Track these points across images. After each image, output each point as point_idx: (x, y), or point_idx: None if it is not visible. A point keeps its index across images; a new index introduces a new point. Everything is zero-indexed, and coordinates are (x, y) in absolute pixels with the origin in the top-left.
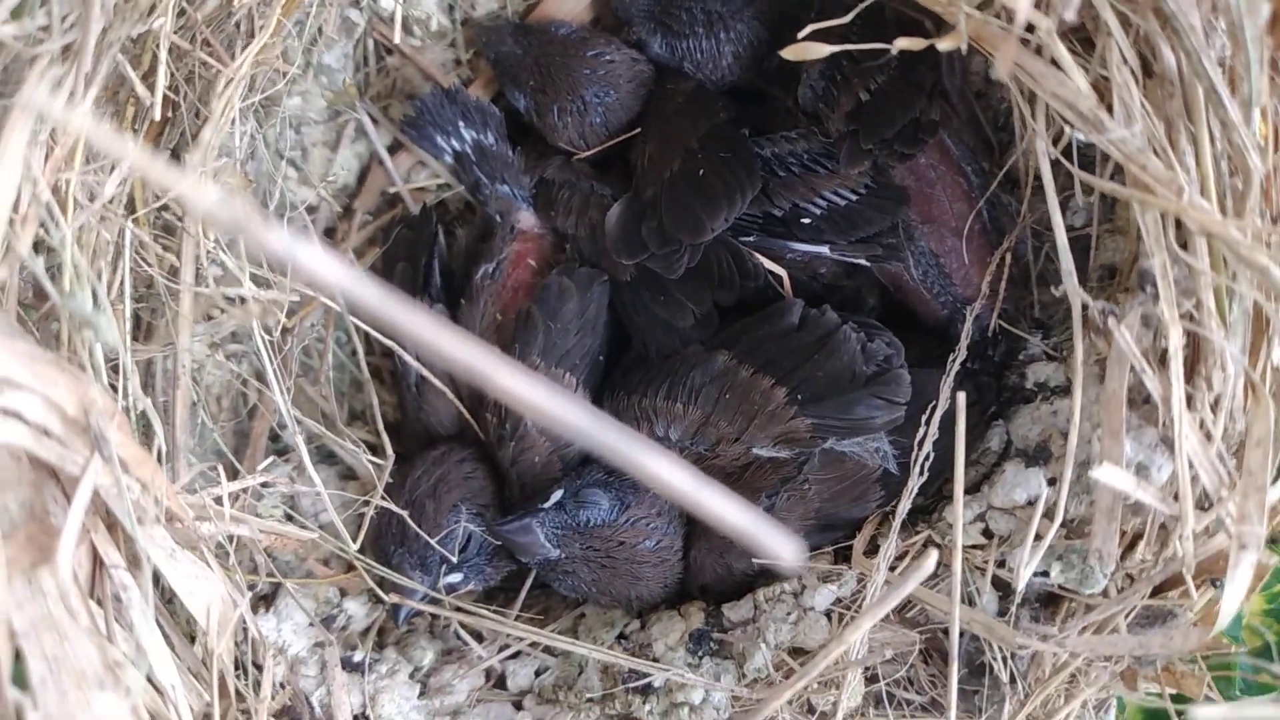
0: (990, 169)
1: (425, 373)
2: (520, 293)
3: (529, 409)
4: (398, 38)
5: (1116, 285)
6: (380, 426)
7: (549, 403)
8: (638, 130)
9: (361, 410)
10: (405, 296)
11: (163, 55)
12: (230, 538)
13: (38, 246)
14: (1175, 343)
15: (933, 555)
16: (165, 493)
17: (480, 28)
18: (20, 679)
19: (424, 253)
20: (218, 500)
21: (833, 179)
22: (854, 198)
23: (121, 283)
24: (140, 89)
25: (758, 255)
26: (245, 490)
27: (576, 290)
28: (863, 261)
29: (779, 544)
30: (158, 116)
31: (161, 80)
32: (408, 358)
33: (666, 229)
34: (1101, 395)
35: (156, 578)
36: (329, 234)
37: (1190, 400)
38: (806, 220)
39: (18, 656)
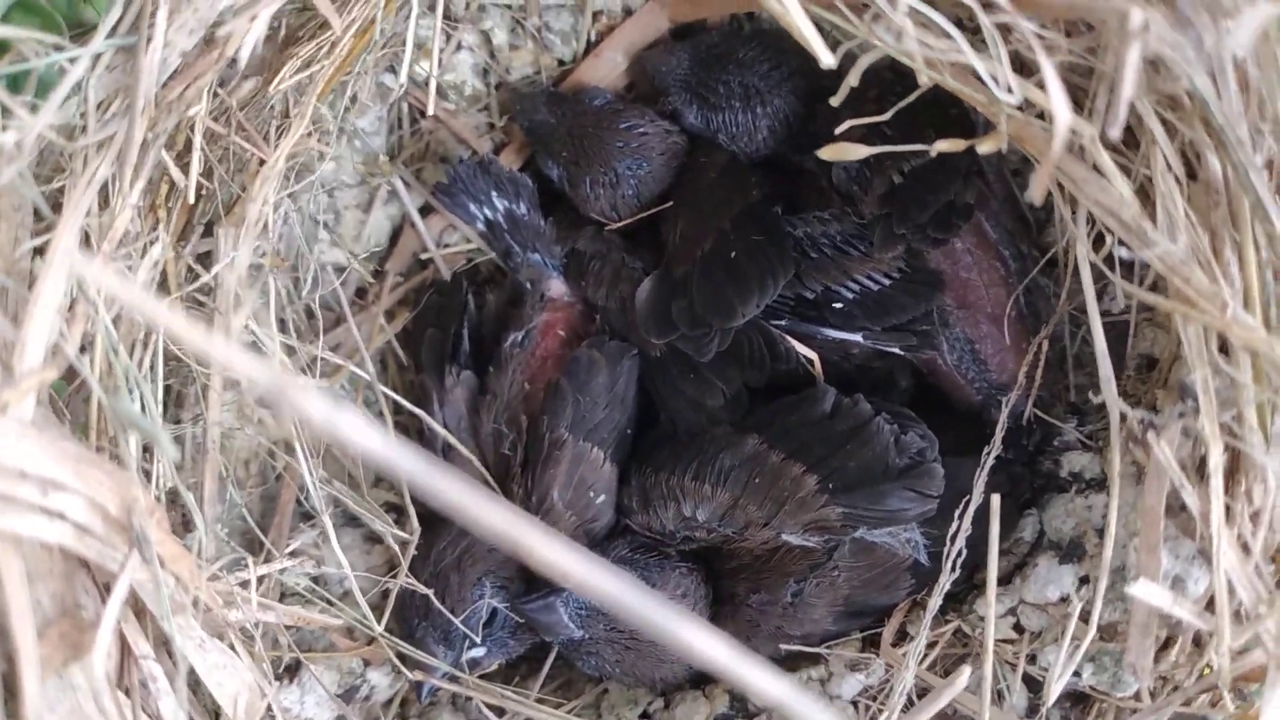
0: (1027, 249)
1: (452, 440)
2: (549, 362)
3: (571, 581)
4: (432, 109)
5: (1155, 380)
6: (407, 495)
7: (590, 575)
8: (669, 204)
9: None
10: (436, 364)
11: (197, 140)
12: (256, 623)
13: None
14: (1216, 459)
15: (966, 672)
16: (199, 586)
17: (514, 94)
18: None
19: (454, 321)
20: (244, 584)
21: (866, 262)
22: (887, 282)
23: (154, 361)
24: (175, 173)
25: (789, 338)
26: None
27: (606, 364)
28: (897, 350)
29: (821, 717)
30: (191, 199)
31: (196, 165)
32: (435, 425)
33: (698, 311)
34: (1139, 506)
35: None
36: (360, 295)
37: (1229, 512)
38: (838, 305)
39: None
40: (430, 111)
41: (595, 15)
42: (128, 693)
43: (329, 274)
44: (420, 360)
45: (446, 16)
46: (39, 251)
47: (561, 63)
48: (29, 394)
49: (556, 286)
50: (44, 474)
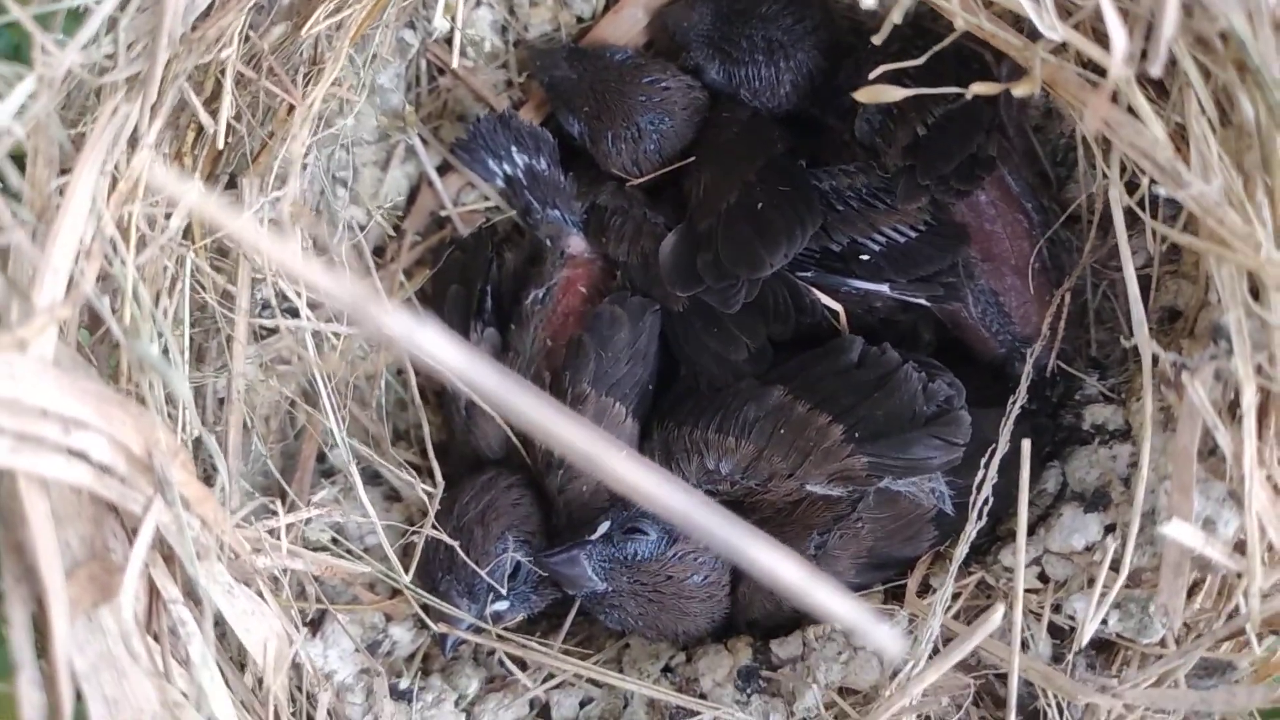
0: (1049, 204)
1: (475, 398)
2: (571, 319)
3: (642, 496)
4: (455, 61)
5: (1179, 330)
6: (430, 452)
7: (661, 491)
8: (692, 159)
9: (406, 430)
10: (460, 321)
11: (228, 84)
12: (284, 570)
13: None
14: (1249, 399)
15: (999, 610)
16: (224, 530)
17: (534, 51)
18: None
19: (479, 278)
20: (272, 533)
21: (892, 215)
22: (913, 235)
23: (178, 309)
24: (204, 117)
25: (815, 291)
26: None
27: (628, 319)
28: (923, 301)
29: (885, 636)
30: (221, 145)
31: (226, 109)
32: (458, 383)
33: (724, 263)
34: (1171, 448)
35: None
36: (378, 253)
37: (1260, 455)
38: (865, 256)
39: (79, 697)
40: (454, 64)
41: None
42: (156, 638)
43: (349, 230)
44: (443, 317)
45: None
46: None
47: (580, 19)
48: (48, 331)
49: (576, 243)
50: (65, 412)
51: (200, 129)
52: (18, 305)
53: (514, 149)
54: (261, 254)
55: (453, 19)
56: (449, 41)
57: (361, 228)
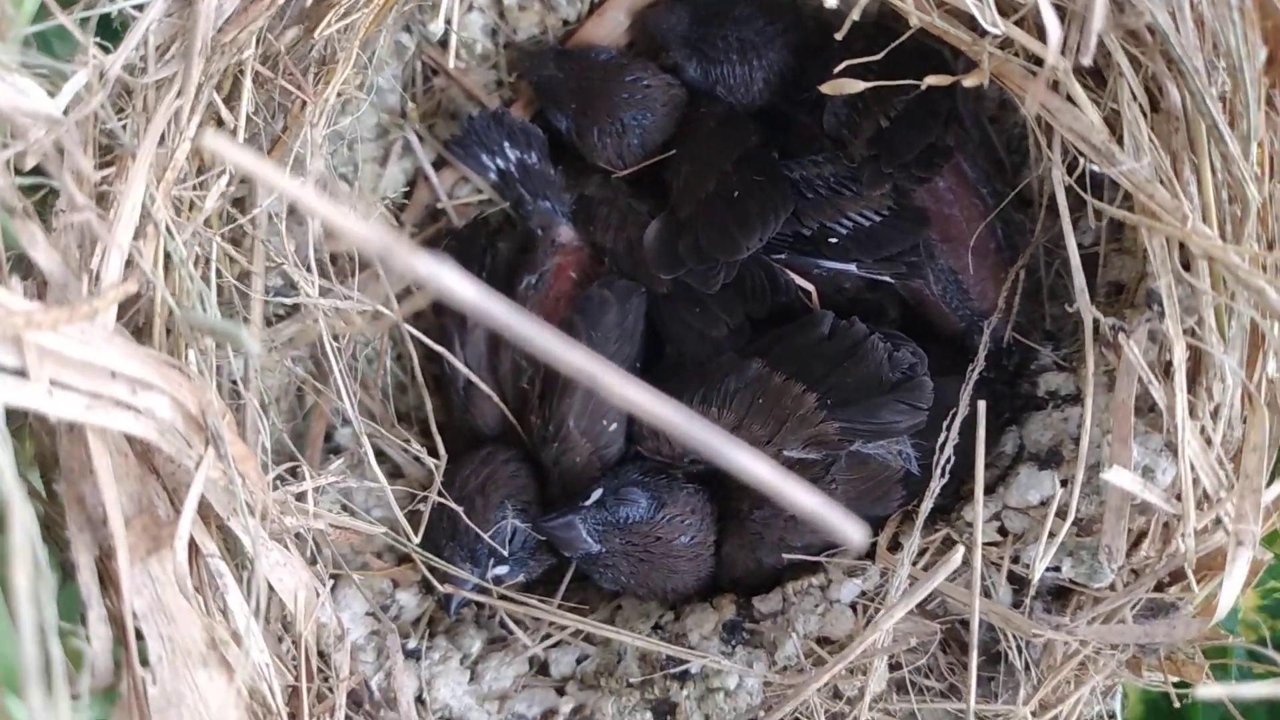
0: (1003, 189)
1: (473, 378)
2: (562, 302)
3: (639, 410)
4: (451, 63)
5: (1123, 301)
6: (434, 428)
7: (658, 408)
8: (673, 151)
9: (407, 412)
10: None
11: (247, 83)
12: (306, 530)
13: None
14: (1179, 357)
15: (959, 552)
16: (262, 488)
17: (523, 52)
18: (140, 657)
19: (473, 265)
20: (297, 496)
21: (858, 201)
22: (878, 219)
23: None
24: (225, 113)
25: (788, 271)
26: (316, 489)
27: (616, 301)
28: (887, 279)
29: (848, 528)
30: (240, 140)
31: (245, 106)
32: (457, 363)
33: (703, 248)
34: (1111, 404)
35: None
36: None
37: (1192, 409)
38: (834, 240)
39: (139, 636)
40: (450, 66)
41: None
42: (198, 589)
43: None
44: (439, 304)
45: None
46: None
47: (566, 22)
48: (114, 302)
49: (566, 232)
50: (132, 374)
51: (220, 122)
52: (86, 279)
53: (506, 144)
54: (308, 208)
55: (448, 23)
56: (444, 44)
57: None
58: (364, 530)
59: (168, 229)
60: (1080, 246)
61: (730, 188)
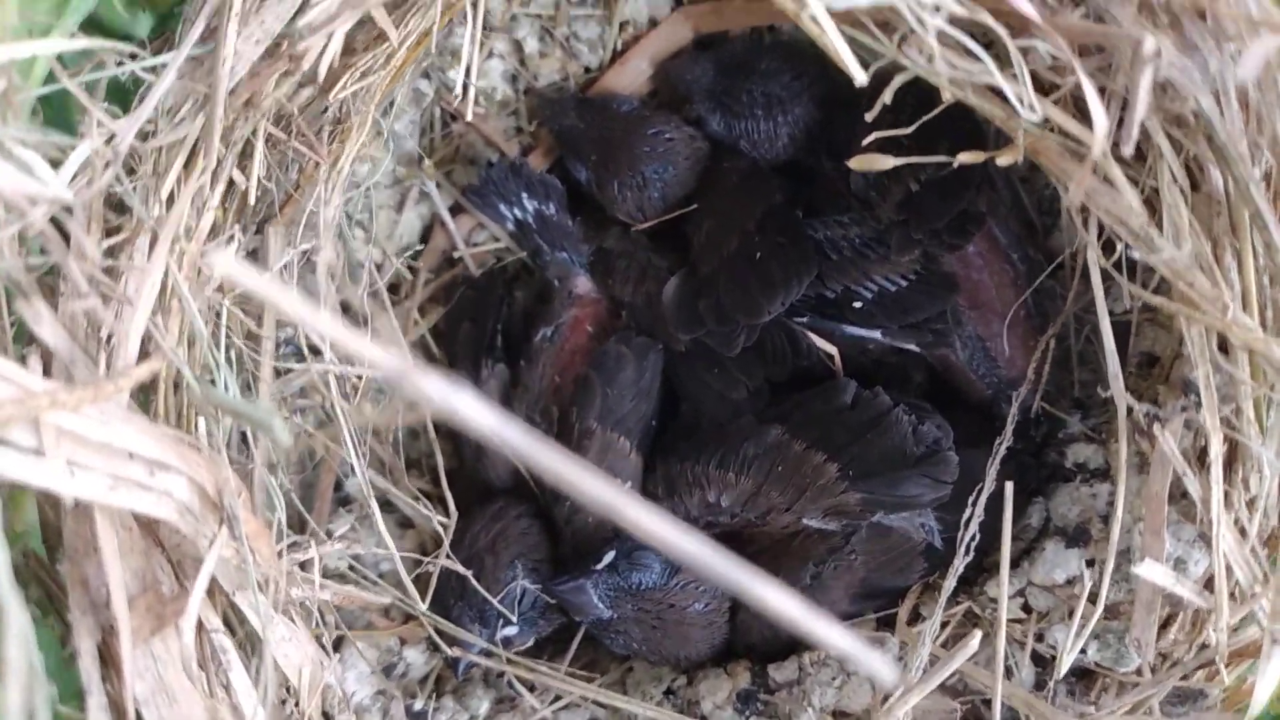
0: (1034, 254)
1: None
2: (578, 356)
3: (653, 538)
4: (469, 115)
5: (1156, 375)
6: (444, 482)
7: (675, 537)
8: (694, 206)
9: (418, 459)
10: (472, 357)
11: (259, 145)
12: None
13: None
14: (1216, 449)
15: (977, 635)
16: (272, 562)
17: (543, 100)
18: None
19: (489, 317)
20: (302, 566)
21: (884, 264)
22: (904, 283)
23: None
24: (237, 175)
25: (811, 335)
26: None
27: (633, 358)
28: (913, 348)
29: (879, 665)
30: (252, 201)
31: (257, 168)
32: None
33: (725, 309)
34: (1144, 492)
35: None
36: (394, 290)
37: (1227, 498)
38: (858, 304)
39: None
40: (468, 117)
41: (622, 25)
42: (201, 665)
43: (365, 269)
44: (454, 353)
45: (482, 26)
46: (111, 252)
47: (588, 70)
48: (137, 382)
49: (583, 283)
50: (150, 454)
51: (231, 182)
52: (105, 359)
53: (524, 195)
54: (322, 334)
55: (467, 71)
56: (463, 91)
57: (378, 267)
58: (370, 601)
59: (181, 300)
60: (1112, 314)
61: (753, 248)
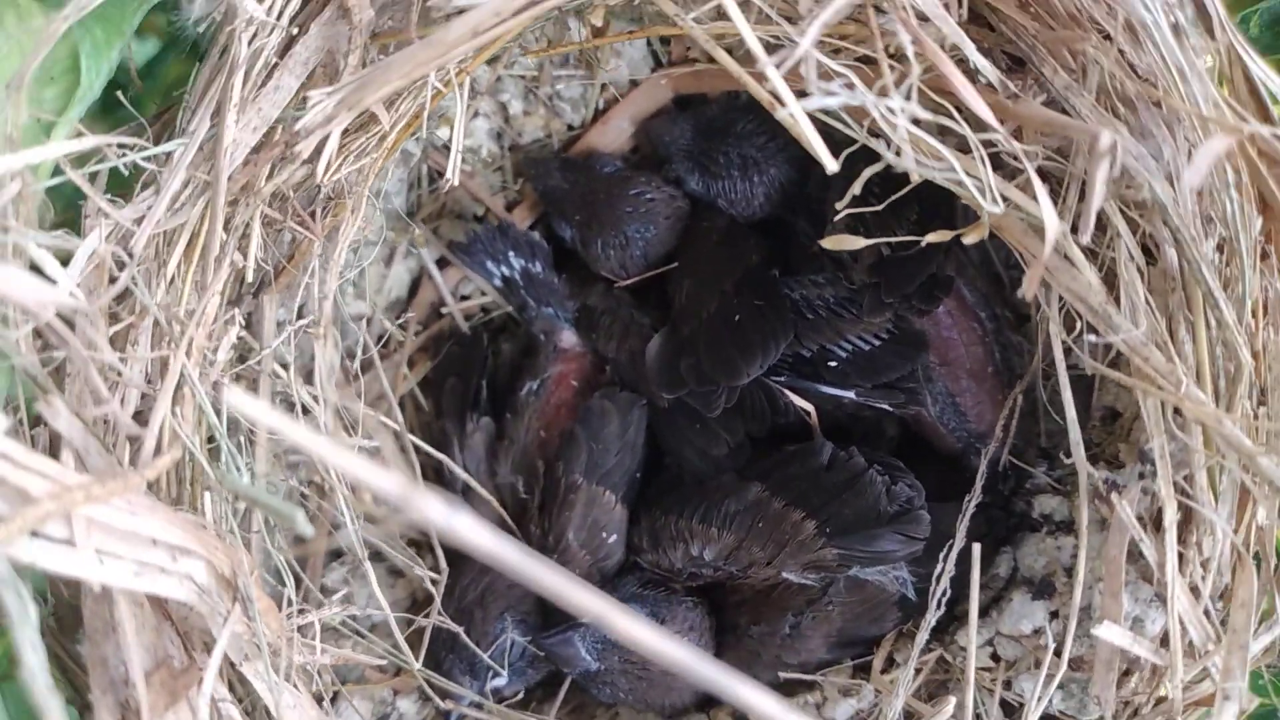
0: (1001, 311)
1: (473, 483)
2: (563, 410)
3: (644, 649)
4: (455, 178)
5: (1118, 432)
6: (435, 538)
7: (662, 645)
8: (675, 264)
9: None
10: (457, 411)
11: (256, 228)
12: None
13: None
14: (1170, 517)
15: (950, 702)
16: (279, 634)
17: (528, 159)
18: None
19: (474, 373)
20: (302, 628)
21: (857, 324)
22: (877, 343)
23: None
24: (235, 255)
25: (788, 393)
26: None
27: (618, 413)
28: (886, 407)
29: None
30: (250, 278)
31: (255, 249)
32: (455, 468)
33: (705, 371)
34: (1103, 554)
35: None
36: (383, 343)
37: (1182, 559)
38: (833, 364)
39: None
40: (455, 182)
41: (603, 86)
42: None
43: (355, 326)
44: (441, 407)
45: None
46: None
47: (571, 128)
48: (158, 473)
49: (568, 338)
50: (173, 540)
51: (226, 258)
52: (115, 443)
53: (512, 254)
54: (328, 462)
55: (451, 129)
56: (447, 147)
57: (368, 321)
58: (367, 662)
59: (193, 389)
60: (1075, 368)
61: (732, 310)
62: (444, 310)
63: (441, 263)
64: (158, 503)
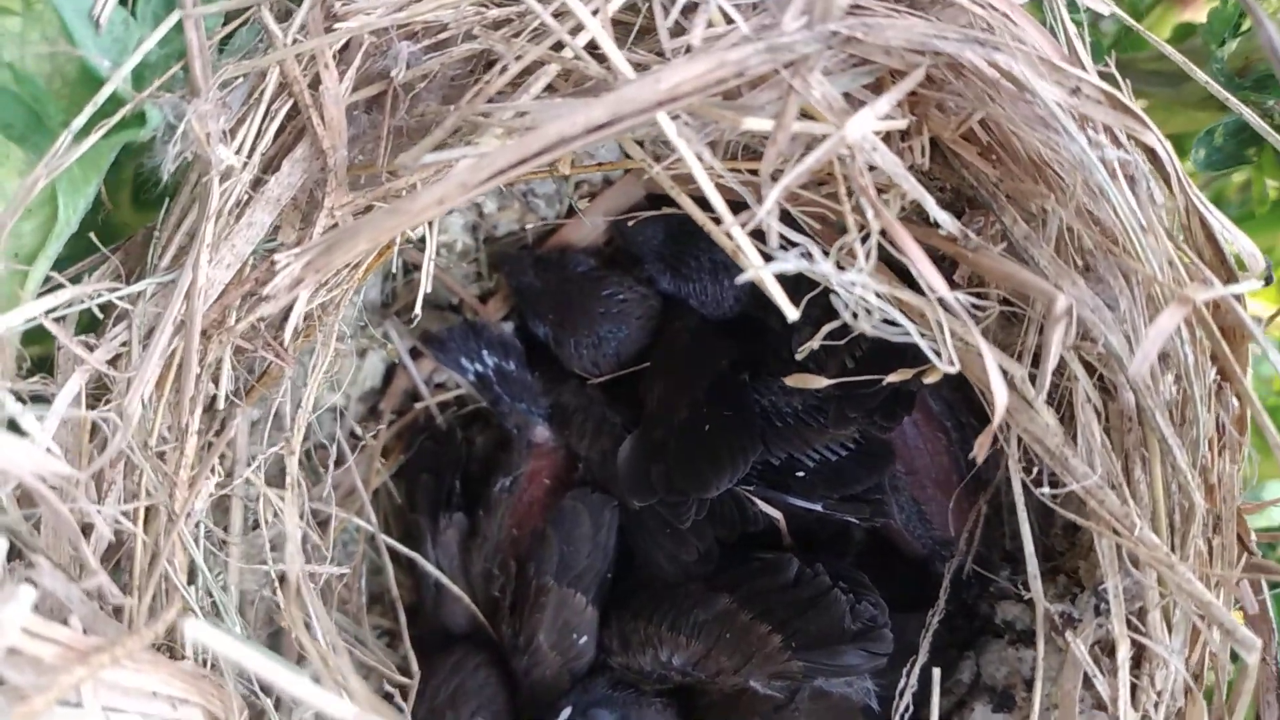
0: (966, 419)
1: (445, 580)
2: (535, 508)
3: None
4: (428, 285)
5: (1079, 546)
6: (408, 641)
7: None
8: (647, 364)
9: (380, 594)
10: (430, 507)
11: (227, 358)
12: None
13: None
14: (1123, 655)
15: None
16: None
17: (502, 255)
18: None
19: (448, 471)
20: None
21: (824, 433)
22: (844, 453)
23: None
24: (208, 386)
25: (758, 502)
26: None
27: (589, 514)
28: (852, 520)
29: None
30: (221, 406)
31: (225, 380)
32: (428, 566)
33: (675, 483)
34: (1059, 684)
35: None
36: (355, 435)
37: (1135, 690)
38: (800, 474)
39: None
40: (427, 288)
41: (577, 184)
42: None
43: (327, 418)
44: (415, 502)
45: None
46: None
47: (544, 220)
48: (161, 631)
49: (541, 433)
50: (173, 692)
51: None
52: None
53: (485, 351)
54: (297, 697)
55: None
56: (423, 241)
57: (341, 414)
58: None
59: (184, 541)
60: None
61: (702, 420)
62: (418, 404)
63: (415, 352)
64: (157, 655)
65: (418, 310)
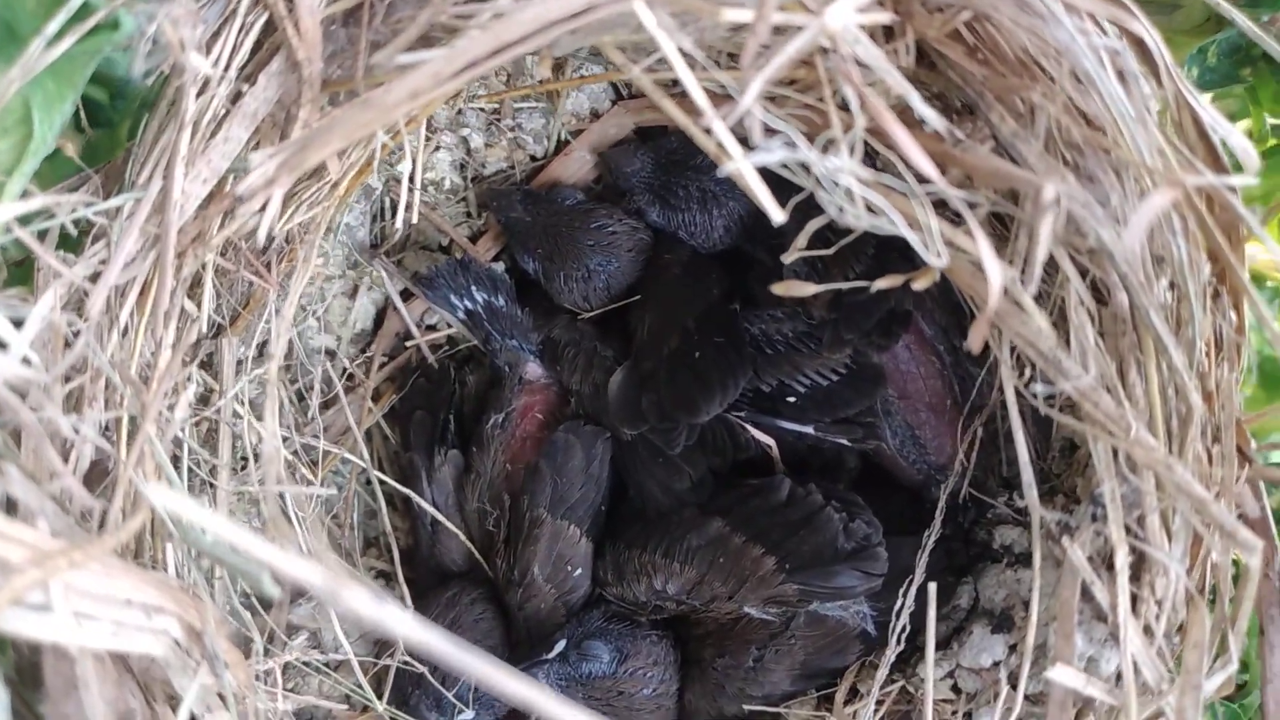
0: (959, 342)
1: (440, 517)
2: (528, 443)
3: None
4: (414, 217)
5: (1076, 464)
6: (398, 567)
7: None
8: (637, 296)
9: (375, 537)
10: (425, 444)
11: (208, 279)
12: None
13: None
14: (1122, 561)
15: None
16: (246, 687)
17: (490, 192)
18: None
19: (442, 407)
20: (267, 674)
21: (815, 359)
22: (835, 378)
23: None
24: (189, 306)
25: (749, 428)
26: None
27: (581, 447)
28: (844, 442)
29: None
30: (204, 329)
31: (208, 301)
32: (424, 504)
33: (666, 408)
34: (1057, 595)
35: None
36: (347, 376)
37: (1135, 599)
38: (792, 399)
39: None
40: (414, 220)
41: (565, 118)
42: None
43: (319, 358)
44: (408, 440)
45: (427, 127)
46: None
47: (534, 158)
48: (130, 535)
49: (533, 369)
50: (147, 600)
51: (183, 310)
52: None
53: (474, 288)
54: (258, 558)
55: (411, 178)
56: (411, 179)
57: (331, 354)
58: (329, 707)
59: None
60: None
61: (692, 347)
62: (409, 343)
63: (406, 294)
64: (129, 562)
65: (404, 215)
